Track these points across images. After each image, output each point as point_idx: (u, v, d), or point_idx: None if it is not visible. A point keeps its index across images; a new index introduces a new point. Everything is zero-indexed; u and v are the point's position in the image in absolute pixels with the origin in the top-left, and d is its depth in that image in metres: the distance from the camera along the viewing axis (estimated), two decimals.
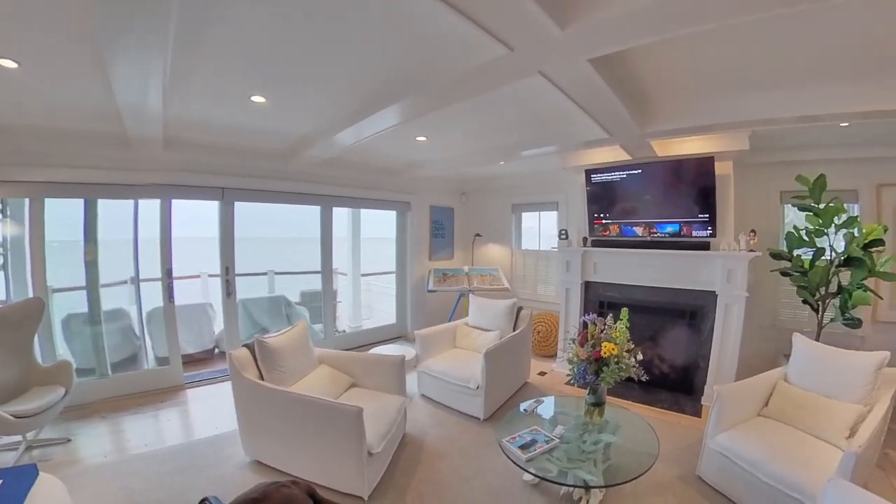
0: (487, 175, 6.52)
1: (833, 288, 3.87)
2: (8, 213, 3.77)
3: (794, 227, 4.09)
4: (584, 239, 5.07)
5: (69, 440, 3.27)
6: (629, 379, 2.86)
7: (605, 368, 2.79)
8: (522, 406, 3.27)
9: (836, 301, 3.86)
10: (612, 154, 4.48)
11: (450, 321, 5.14)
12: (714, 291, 4.20)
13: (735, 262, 4.03)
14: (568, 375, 3.00)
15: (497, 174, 6.43)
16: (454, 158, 4.97)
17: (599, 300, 5.04)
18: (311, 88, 2.83)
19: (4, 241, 3.77)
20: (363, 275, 7.23)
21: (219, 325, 5.42)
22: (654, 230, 4.55)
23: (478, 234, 7.10)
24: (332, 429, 2.60)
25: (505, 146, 4.34)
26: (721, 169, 4.14)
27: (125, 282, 4.71)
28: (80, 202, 3.95)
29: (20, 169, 3.50)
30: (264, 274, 6.93)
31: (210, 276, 6.37)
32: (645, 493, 2.76)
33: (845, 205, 3.82)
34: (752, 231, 4.06)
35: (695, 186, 4.24)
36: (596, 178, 4.85)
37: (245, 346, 3.17)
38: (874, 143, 4.05)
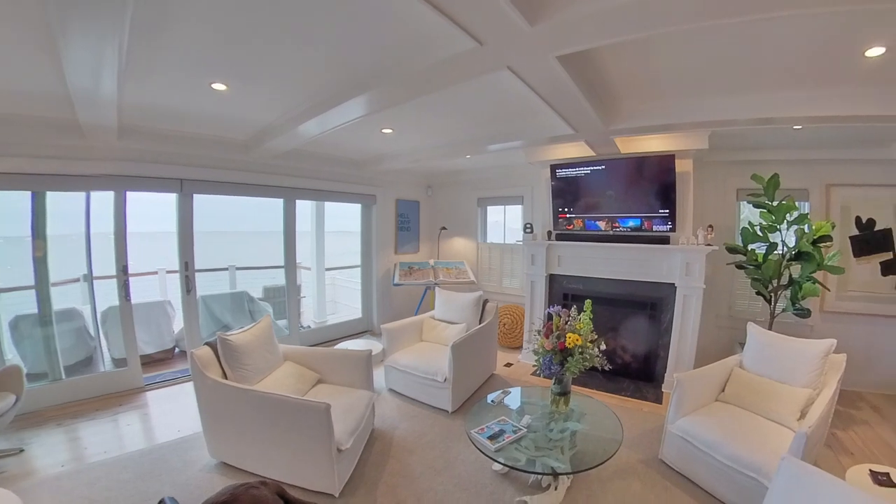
0: (454, 169, 6.53)
1: (784, 280, 4.09)
2: None
3: (749, 223, 4.28)
4: (549, 233, 5.16)
5: (22, 450, 3.06)
6: (593, 368, 2.94)
7: (569, 359, 2.87)
8: (490, 397, 3.30)
9: (788, 292, 4.08)
10: (576, 150, 4.56)
11: (416, 315, 5.12)
12: (673, 283, 4.36)
13: (693, 256, 4.20)
14: (534, 366, 3.06)
15: (463, 168, 6.45)
16: (421, 151, 4.94)
17: (564, 292, 5.14)
18: (274, 76, 2.73)
19: None
20: (328, 269, 7.14)
21: (178, 324, 5.19)
22: (617, 224, 4.67)
23: (444, 228, 7.09)
24: (300, 426, 2.56)
25: (471, 140, 4.35)
26: (681, 166, 4.29)
27: (77, 280, 4.44)
28: (26, 195, 3.69)
29: None
30: (225, 269, 6.73)
31: (168, 272, 6.15)
32: (610, 478, 2.87)
33: (797, 203, 4.08)
34: (710, 226, 4.25)
35: (656, 183, 4.38)
36: (561, 173, 4.93)
37: (207, 344, 3.05)
38: (824, 146, 4.33)
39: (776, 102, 2.96)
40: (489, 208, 6.95)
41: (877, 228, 4.39)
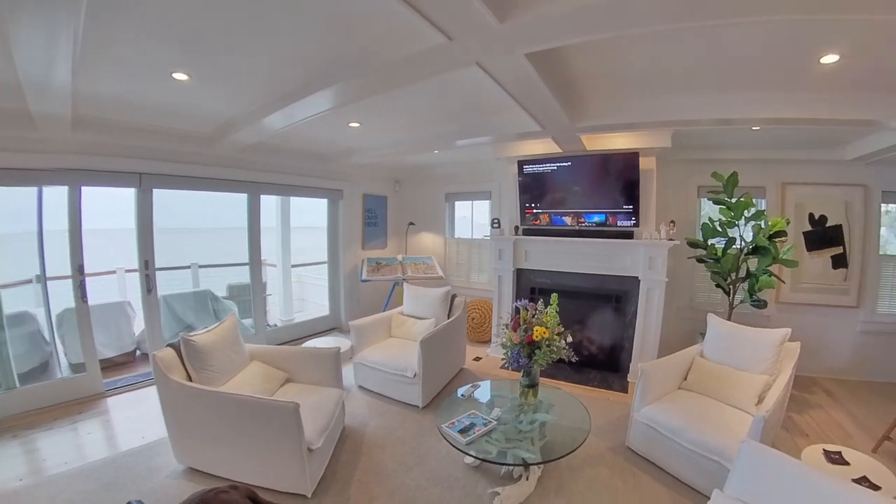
0: (421, 164, 6.51)
1: (742, 273, 4.28)
2: None
3: (709, 219, 4.44)
4: (516, 228, 5.21)
5: None
6: (560, 360, 2.99)
7: (537, 351, 2.92)
8: (460, 391, 3.33)
9: (745, 285, 4.27)
10: (543, 146, 4.62)
11: (384, 311, 5.11)
12: (637, 277, 4.49)
13: (656, 250, 4.33)
14: (502, 359, 3.09)
15: (431, 163, 6.43)
16: (388, 146, 4.90)
17: (531, 286, 5.21)
18: (239, 66, 2.64)
19: None
20: (294, 266, 6.97)
21: (139, 325, 4.98)
22: (583, 220, 4.76)
23: (411, 223, 7.07)
24: (269, 427, 2.51)
25: (440, 135, 4.33)
26: (645, 164, 4.42)
27: (30, 281, 4.18)
28: None
29: None
30: (187, 267, 6.52)
31: (127, 271, 5.91)
32: (580, 466, 2.95)
33: (754, 200, 4.24)
34: (672, 222, 4.39)
35: (620, 179, 4.49)
36: (528, 168, 4.99)
37: (170, 345, 2.94)
38: (780, 147, 4.58)
39: (736, 104, 3.09)
40: (457, 203, 6.96)
41: (828, 224, 4.71)
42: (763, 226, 4.10)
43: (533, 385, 3.11)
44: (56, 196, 3.76)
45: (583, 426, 2.83)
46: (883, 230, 4.73)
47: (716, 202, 4.34)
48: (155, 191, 4.32)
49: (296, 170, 5.57)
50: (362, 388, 4.22)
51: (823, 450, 2.60)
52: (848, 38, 2.18)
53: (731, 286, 4.33)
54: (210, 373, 2.88)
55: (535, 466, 2.70)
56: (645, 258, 4.39)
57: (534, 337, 2.91)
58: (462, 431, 2.70)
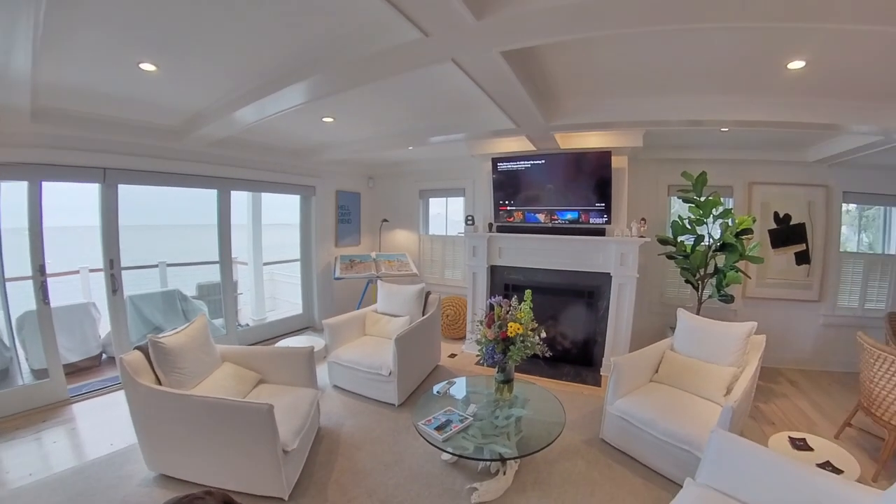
0: (396, 160, 6.47)
1: (711, 269, 4.40)
2: None
3: (679, 217, 4.57)
4: (490, 225, 5.23)
5: None
6: (534, 356, 3.04)
7: (511, 347, 2.95)
8: (435, 388, 3.33)
9: (713, 280, 4.39)
10: (518, 144, 4.65)
11: (358, 308, 5.06)
12: (609, 273, 4.57)
13: (627, 247, 4.42)
14: (477, 356, 3.12)
15: (405, 159, 6.41)
16: (362, 141, 4.85)
17: (505, 283, 5.24)
18: (210, 58, 2.56)
19: None
20: (265, 264, 6.84)
21: (105, 327, 4.79)
22: (556, 217, 4.82)
23: (385, 220, 7.01)
24: (243, 430, 2.45)
25: (414, 131, 4.32)
26: (617, 162, 4.50)
27: None
28: None
29: None
30: (155, 266, 6.28)
31: (92, 270, 5.67)
32: (556, 459, 2.99)
33: (722, 198, 4.38)
34: (643, 219, 4.49)
35: (593, 177, 4.56)
36: (502, 166, 5.02)
37: (137, 348, 2.83)
38: (747, 148, 4.76)
39: (706, 106, 3.18)
40: (431, 200, 6.95)
41: (792, 223, 4.93)
42: (730, 224, 4.23)
43: (508, 381, 3.15)
44: (14, 192, 3.57)
45: (558, 420, 2.87)
46: (843, 228, 5.01)
47: (685, 200, 4.46)
48: (120, 186, 4.16)
49: (268, 165, 5.44)
50: (337, 387, 4.18)
51: (789, 437, 2.73)
52: (813, 45, 2.27)
53: (699, 282, 4.46)
54: (180, 375, 2.79)
55: (512, 461, 2.73)
56: (617, 255, 4.48)
57: (508, 333, 2.94)
58: (439, 428, 2.70)
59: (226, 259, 5.28)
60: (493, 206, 5.19)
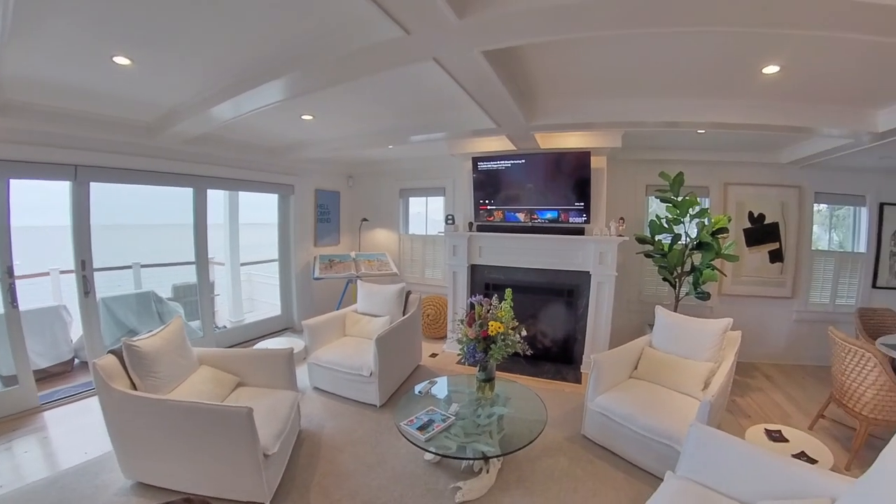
0: (375, 159, 6.43)
1: (687, 267, 4.49)
2: None
3: (657, 216, 4.65)
4: (470, 224, 5.25)
5: None
6: (515, 354, 3.04)
7: (492, 346, 2.96)
8: (417, 388, 3.33)
9: (690, 278, 4.48)
10: (498, 143, 4.68)
11: (338, 309, 5.02)
12: (588, 272, 4.63)
13: (606, 246, 4.49)
14: (458, 355, 3.12)
15: (385, 158, 6.37)
16: (342, 140, 4.80)
17: (485, 282, 5.26)
18: (187, 52, 2.49)
19: None
20: (243, 264, 6.74)
21: (77, 331, 4.63)
22: (536, 216, 4.86)
23: (365, 219, 6.96)
24: (222, 434, 2.40)
25: (395, 129, 4.30)
26: (596, 163, 4.57)
27: None
28: None
29: None
30: (129, 267, 6.11)
31: (62, 272, 5.49)
32: (538, 457, 3.01)
33: (698, 198, 4.47)
34: (621, 218, 4.56)
35: (573, 177, 4.61)
36: (482, 165, 5.03)
37: (111, 352, 2.73)
38: (723, 149, 4.88)
39: (683, 108, 3.25)
40: (411, 199, 6.93)
41: (766, 222, 5.09)
42: (706, 223, 4.33)
43: (489, 379, 3.15)
44: None
45: (539, 418, 2.89)
46: (815, 227, 5.19)
47: (663, 200, 4.54)
48: (92, 184, 4.02)
49: (245, 163, 5.34)
50: (317, 389, 4.13)
51: (765, 429, 2.80)
52: (788, 50, 2.34)
53: (676, 280, 4.55)
54: (156, 380, 2.72)
55: (495, 459, 2.74)
56: (596, 254, 4.54)
57: (489, 332, 2.94)
58: (421, 428, 2.70)
59: (202, 259, 5.17)
60: (473, 205, 5.20)
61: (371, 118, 4.08)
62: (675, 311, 4.00)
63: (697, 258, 4.45)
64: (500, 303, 3.13)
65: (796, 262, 5.07)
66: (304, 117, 3.97)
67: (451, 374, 3.97)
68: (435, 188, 6.50)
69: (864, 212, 5.17)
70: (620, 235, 4.44)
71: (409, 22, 1.84)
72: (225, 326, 6.02)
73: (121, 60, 2.53)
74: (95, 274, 4.18)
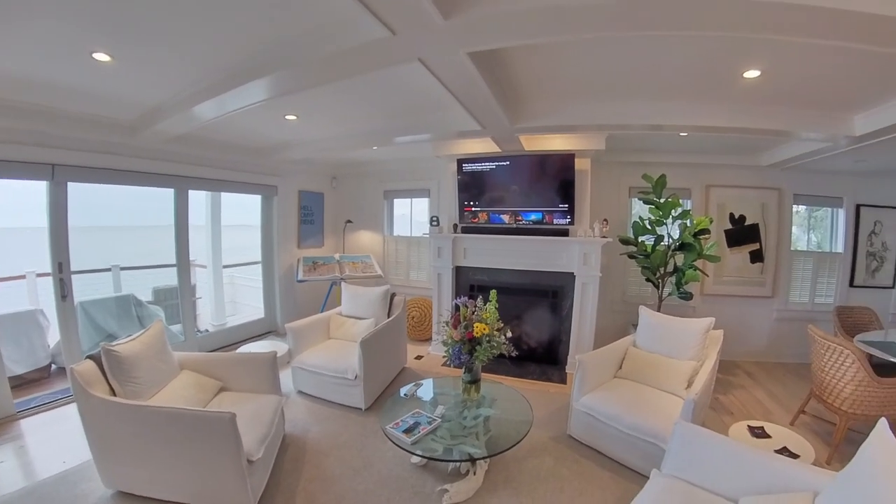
0: (360, 160, 6.39)
1: (670, 268, 4.56)
2: None
3: (640, 218, 4.70)
4: (455, 226, 5.25)
5: None
6: (501, 355, 3.05)
7: (478, 347, 2.96)
8: (402, 391, 3.31)
9: (673, 279, 4.55)
10: (483, 145, 4.69)
11: (322, 312, 4.98)
12: (572, 273, 4.67)
13: (590, 247, 4.52)
14: (444, 357, 3.11)
15: (370, 159, 6.34)
16: (326, 140, 4.77)
17: (470, 284, 5.26)
18: (169, 49, 2.44)
19: None
20: (225, 266, 6.59)
21: (54, 336, 4.51)
22: (520, 218, 4.88)
23: (349, 221, 6.90)
24: (205, 440, 2.35)
25: (379, 130, 4.27)
26: (580, 165, 4.60)
27: None
28: None
29: None
30: (108, 270, 5.97)
31: (39, 275, 5.34)
32: (525, 457, 3.02)
33: (681, 200, 4.57)
34: (605, 220, 4.60)
35: (557, 179, 4.65)
36: (467, 167, 5.04)
37: (89, 357, 2.67)
38: (705, 152, 4.96)
39: (666, 112, 3.31)
40: (396, 201, 6.91)
41: (747, 223, 5.19)
42: (689, 224, 4.39)
43: (475, 381, 3.15)
44: None
45: (525, 418, 2.90)
46: (794, 228, 5.32)
47: (646, 202, 4.60)
48: (70, 184, 3.92)
49: (227, 164, 5.27)
50: (302, 393, 4.08)
51: (748, 426, 2.86)
52: (768, 55, 2.41)
53: (660, 280, 4.61)
54: (136, 385, 2.66)
55: (482, 461, 2.73)
56: (580, 255, 4.57)
57: (474, 333, 2.94)
58: (407, 431, 2.68)
59: (183, 262, 5.08)
60: (458, 207, 5.21)
61: (356, 119, 4.06)
62: (659, 311, 4.05)
63: (680, 259, 4.52)
64: (485, 304, 3.13)
65: (776, 263, 5.18)
66: (287, 117, 3.93)
67: (437, 377, 3.96)
68: (420, 190, 6.49)
69: (841, 213, 5.31)
70: (604, 237, 4.48)
71: (395, 22, 1.84)
72: (207, 330, 5.91)
73: (100, 57, 2.46)
74: (73, 277, 4.07)
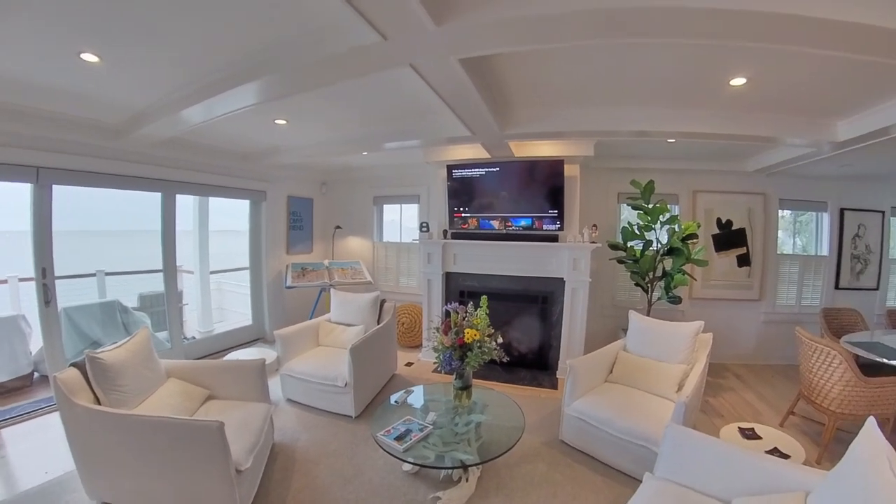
0: (349, 166, 6.37)
1: (659, 273, 4.59)
2: None
3: (628, 223, 4.75)
4: (445, 231, 5.25)
5: None
6: (492, 361, 3.03)
7: (468, 353, 2.93)
8: (393, 398, 3.28)
9: (662, 283, 4.58)
10: (472, 151, 4.70)
11: (311, 318, 4.93)
12: (562, 278, 4.69)
13: (580, 253, 4.55)
14: (434, 363, 3.09)
15: (359, 165, 6.32)
16: (316, 146, 4.75)
17: (460, 289, 5.26)
18: (158, 50, 2.40)
19: None
20: (213, 272, 6.53)
21: (37, 343, 4.41)
22: (510, 224, 4.89)
23: (338, 227, 6.86)
24: (192, 450, 2.30)
25: (369, 136, 4.26)
26: (569, 171, 4.63)
27: None
28: None
29: None
30: (92, 275, 5.86)
31: (21, 280, 5.24)
32: (517, 463, 3.01)
33: (669, 205, 4.62)
34: (594, 225, 4.64)
35: (546, 185, 4.68)
36: (457, 173, 5.05)
37: (73, 365, 2.61)
38: (692, 158, 5.02)
39: (654, 118, 3.35)
40: (385, 207, 6.90)
41: (733, 228, 5.28)
42: (677, 229, 4.43)
43: (466, 387, 3.12)
44: None
45: (517, 424, 2.89)
46: (780, 233, 5.41)
47: (634, 207, 4.63)
48: (55, 187, 3.84)
49: (216, 168, 5.21)
50: (291, 400, 4.03)
51: (738, 427, 2.88)
52: (754, 63, 2.45)
53: (649, 284, 4.64)
54: (121, 394, 2.60)
55: (474, 467, 2.72)
56: (569, 260, 4.60)
57: (465, 339, 2.92)
58: (398, 439, 2.66)
59: (170, 267, 5.02)
60: (447, 212, 5.21)
61: (346, 124, 4.05)
62: (648, 315, 4.09)
63: (668, 263, 4.55)
64: (475, 310, 3.12)
65: (763, 266, 5.25)
66: (277, 122, 3.91)
67: (428, 383, 3.94)
68: (409, 196, 6.49)
69: (825, 217, 5.42)
70: (593, 242, 4.51)
71: (387, 27, 1.84)
72: (194, 337, 5.83)
73: (88, 58, 2.43)
74: (57, 282, 3.98)
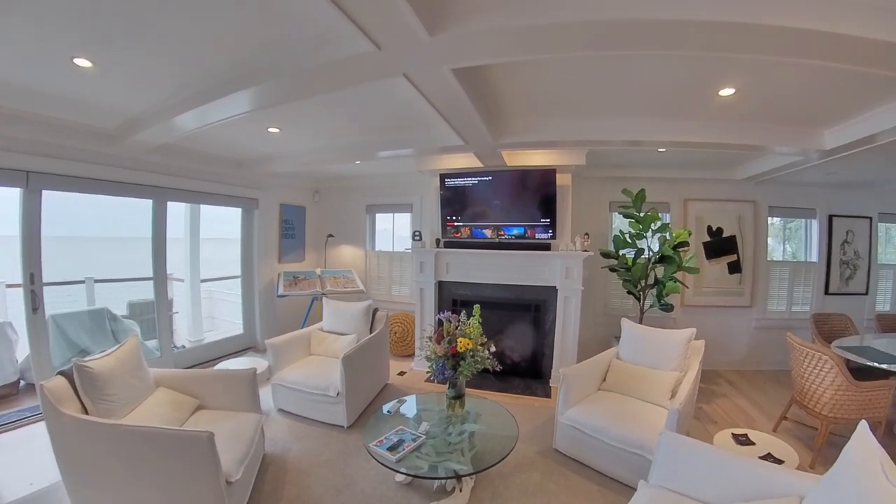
0: (342, 174, 6.37)
1: (651, 280, 4.62)
2: None
3: (620, 231, 4.79)
4: (438, 240, 5.25)
5: None
6: (485, 370, 3.02)
7: (461, 362, 2.92)
8: (385, 408, 3.26)
9: (654, 291, 4.60)
10: (465, 160, 4.71)
11: (303, 327, 4.89)
12: (555, 286, 4.69)
13: (572, 261, 4.56)
14: (427, 372, 3.07)
15: (352, 174, 6.32)
16: (309, 154, 4.74)
17: (453, 298, 5.24)
18: (152, 57, 2.40)
19: None
20: (204, 280, 6.47)
21: (23, 351, 4.33)
22: (502, 232, 4.91)
23: (331, 235, 6.84)
24: (181, 461, 2.27)
25: (362, 145, 4.27)
26: (561, 180, 4.67)
27: None
28: None
29: None
30: (81, 282, 5.79)
31: (9, 286, 5.16)
32: (511, 472, 2.99)
33: (660, 214, 4.67)
34: (586, 234, 4.65)
35: (538, 194, 4.70)
36: (450, 182, 5.06)
37: (60, 373, 2.56)
38: (683, 167, 5.08)
39: (645, 128, 3.40)
40: (378, 216, 6.89)
41: (724, 235, 5.33)
42: (668, 237, 4.48)
43: (459, 396, 3.11)
44: None
45: (511, 433, 2.87)
46: (770, 240, 5.48)
47: (626, 216, 4.67)
48: (45, 192, 3.80)
49: (208, 175, 5.18)
50: (282, 410, 3.99)
51: (732, 433, 2.90)
52: (742, 74, 2.50)
53: (641, 292, 4.66)
54: (109, 403, 2.56)
55: (468, 477, 2.69)
56: (562, 268, 4.61)
57: (458, 348, 2.91)
58: (391, 449, 2.63)
59: (160, 275, 4.96)
60: (440, 221, 5.21)
61: (338, 133, 4.05)
62: (641, 322, 4.09)
63: (660, 271, 4.58)
64: (468, 319, 3.11)
65: (753, 273, 5.30)
66: (270, 130, 3.91)
67: (420, 392, 3.92)
68: (402, 204, 6.50)
69: (814, 224, 5.50)
70: (586, 250, 4.52)
71: (381, 37, 1.85)
72: (184, 346, 5.76)
73: (81, 62, 2.42)
74: (45, 289, 3.92)
